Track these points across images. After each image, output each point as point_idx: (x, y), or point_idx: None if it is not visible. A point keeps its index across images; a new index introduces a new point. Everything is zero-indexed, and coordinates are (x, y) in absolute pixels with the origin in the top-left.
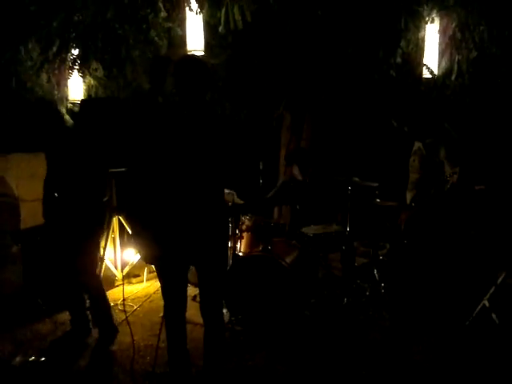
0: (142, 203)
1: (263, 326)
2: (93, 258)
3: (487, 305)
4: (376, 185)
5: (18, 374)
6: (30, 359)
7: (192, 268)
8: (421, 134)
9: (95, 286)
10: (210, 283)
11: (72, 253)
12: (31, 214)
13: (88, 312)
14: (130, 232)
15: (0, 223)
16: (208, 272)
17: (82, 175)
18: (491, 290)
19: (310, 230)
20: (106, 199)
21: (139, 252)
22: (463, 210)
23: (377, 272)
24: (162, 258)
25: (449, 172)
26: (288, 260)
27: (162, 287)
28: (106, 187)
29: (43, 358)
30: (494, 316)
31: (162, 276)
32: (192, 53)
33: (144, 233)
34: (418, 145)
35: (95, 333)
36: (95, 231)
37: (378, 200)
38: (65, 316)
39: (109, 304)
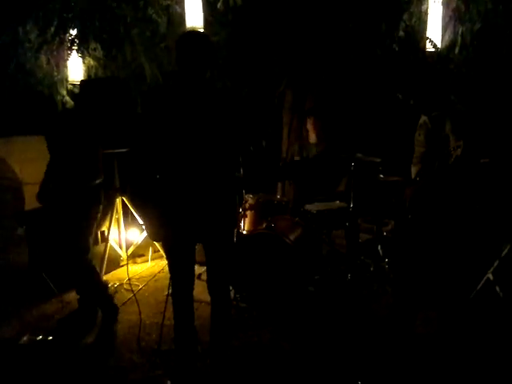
0: (150, 182)
1: (268, 303)
2: (88, 238)
3: (491, 278)
4: (379, 160)
5: (25, 354)
6: (38, 338)
7: (197, 246)
8: (426, 108)
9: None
10: (217, 261)
11: (70, 234)
12: (35, 196)
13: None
14: (136, 211)
15: (4, 206)
16: (216, 249)
17: (75, 157)
18: (495, 263)
19: (314, 206)
20: (99, 181)
21: (146, 230)
22: (468, 184)
23: (381, 248)
24: (171, 235)
25: (453, 145)
26: (292, 237)
27: (170, 265)
28: (99, 168)
29: (50, 337)
30: (498, 289)
31: (169, 254)
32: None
33: (152, 211)
34: (423, 118)
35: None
36: (91, 212)
37: (381, 176)
38: (71, 295)
39: (104, 284)
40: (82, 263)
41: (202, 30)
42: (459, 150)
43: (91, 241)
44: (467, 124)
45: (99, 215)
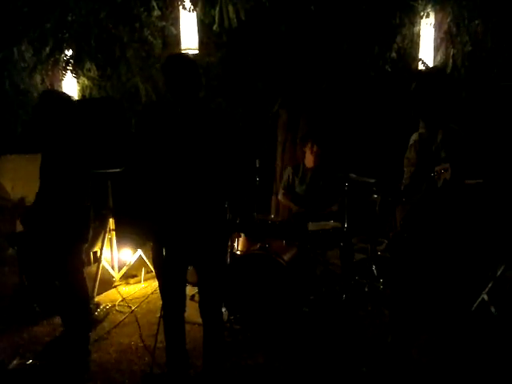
0: (143, 203)
1: (262, 324)
2: (80, 259)
3: (486, 298)
4: (373, 181)
5: (15, 378)
6: (28, 362)
7: (190, 267)
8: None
9: (81, 285)
10: (209, 283)
11: (59, 256)
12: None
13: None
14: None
15: None
16: (207, 271)
17: (65, 178)
18: (490, 284)
19: (308, 227)
20: (88, 202)
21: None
22: (458, 206)
23: (375, 268)
24: (163, 256)
25: (438, 168)
26: (286, 258)
27: (161, 287)
28: (89, 190)
29: (40, 361)
30: (492, 309)
31: (161, 275)
32: (186, 51)
33: (144, 227)
34: (413, 137)
35: (94, 335)
36: (82, 233)
37: (375, 196)
38: None
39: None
40: (74, 284)
41: (196, 52)
42: (447, 173)
43: (83, 261)
44: (458, 144)
45: (90, 236)
